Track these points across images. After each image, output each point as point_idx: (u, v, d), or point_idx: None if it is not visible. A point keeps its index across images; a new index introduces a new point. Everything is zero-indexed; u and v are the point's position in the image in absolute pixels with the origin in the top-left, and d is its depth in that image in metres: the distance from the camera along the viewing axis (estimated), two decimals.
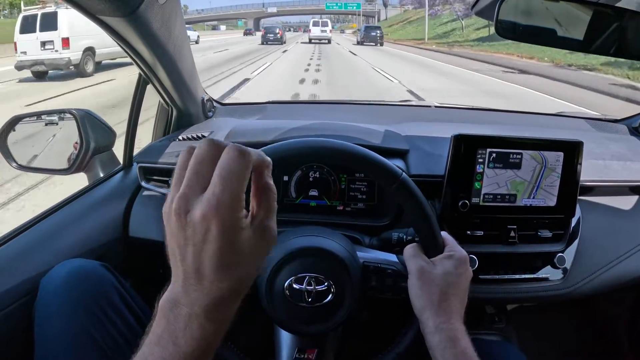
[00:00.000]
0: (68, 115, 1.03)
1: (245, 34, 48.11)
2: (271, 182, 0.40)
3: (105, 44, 9.30)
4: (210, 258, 0.36)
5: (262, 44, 25.56)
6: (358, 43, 27.99)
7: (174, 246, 0.37)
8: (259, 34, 36.57)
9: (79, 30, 9.23)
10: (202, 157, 0.37)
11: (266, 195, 0.39)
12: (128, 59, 0.93)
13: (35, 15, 9.64)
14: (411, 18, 47.35)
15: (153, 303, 0.67)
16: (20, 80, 9.66)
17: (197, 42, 25.82)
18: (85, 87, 8.35)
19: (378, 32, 26.90)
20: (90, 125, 1.02)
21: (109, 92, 7.43)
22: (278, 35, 26.54)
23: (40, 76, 9.93)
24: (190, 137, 1.09)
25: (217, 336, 0.39)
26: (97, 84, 8.80)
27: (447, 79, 10.27)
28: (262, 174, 0.39)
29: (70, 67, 9.62)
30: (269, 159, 0.40)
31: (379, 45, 26.02)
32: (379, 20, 70.16)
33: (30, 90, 8.24)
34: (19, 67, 9.55)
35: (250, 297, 0.68)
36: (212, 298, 0.37)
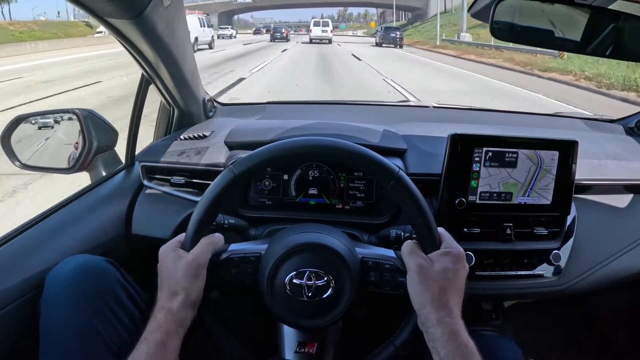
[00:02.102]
0: (71, 115, 1.05)
1: (255, 33, 58.42)
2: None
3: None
4: (183, 269, 0.65)
5: (271, 41, 32.83)
6: (377, 45, 26.95)
7: (167, 272, 0.66)
8: (262, 33, 51.37)
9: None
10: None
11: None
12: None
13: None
14: None
15: (155, 298, 0.68)
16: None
17: (235, 37, 40.51)
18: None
19: (398, 33, 25.80)
20: (93, 125, 1.03)
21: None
22: (284, 34, 34.63)
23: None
24: (191, 136, 1.10)
25: (176, 336, 0.63)
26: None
27: None
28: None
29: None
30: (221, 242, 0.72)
31: (397, 47, 24.62)
32: (406, 22, 39.15)
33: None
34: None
35: (252, 292, 0.69)
36: (178, 302, 0.64)
